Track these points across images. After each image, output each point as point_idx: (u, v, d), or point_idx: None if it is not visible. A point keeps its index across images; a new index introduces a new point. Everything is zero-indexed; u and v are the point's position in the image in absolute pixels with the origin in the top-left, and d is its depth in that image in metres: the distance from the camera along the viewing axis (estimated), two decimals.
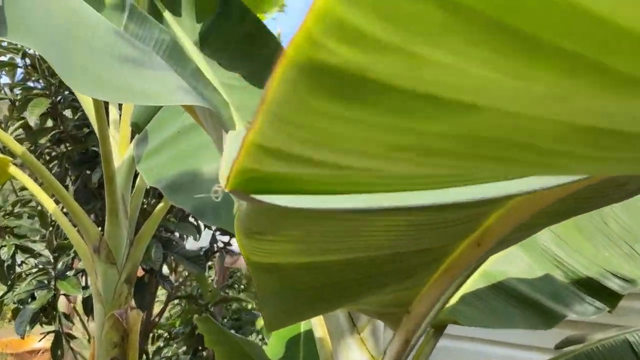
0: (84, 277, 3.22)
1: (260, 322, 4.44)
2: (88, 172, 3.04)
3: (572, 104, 0.24)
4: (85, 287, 2.85)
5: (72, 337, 3.08)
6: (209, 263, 4.52)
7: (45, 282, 2.81)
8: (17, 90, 3.02)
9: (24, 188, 3.46)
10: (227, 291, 5.43)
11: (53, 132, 3.06)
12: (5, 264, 2.79)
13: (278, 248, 0.59)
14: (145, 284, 3.00)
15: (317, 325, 1.10)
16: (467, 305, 1.37)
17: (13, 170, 1.91)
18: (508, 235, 0.67)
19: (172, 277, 4.08)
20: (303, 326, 1.76)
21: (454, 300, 1.26)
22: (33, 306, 2.73)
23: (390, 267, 0.68)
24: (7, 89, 3.01)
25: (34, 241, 3.08)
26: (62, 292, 2.83)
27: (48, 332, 3.00)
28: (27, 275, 3.03)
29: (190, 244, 3.68)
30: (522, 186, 0.42)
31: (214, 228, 3.64)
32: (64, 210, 2.22)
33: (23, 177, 1.98)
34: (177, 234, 3.41)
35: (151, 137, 1.69)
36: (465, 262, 0.70)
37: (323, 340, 1.09)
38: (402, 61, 0.23)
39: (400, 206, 0.37)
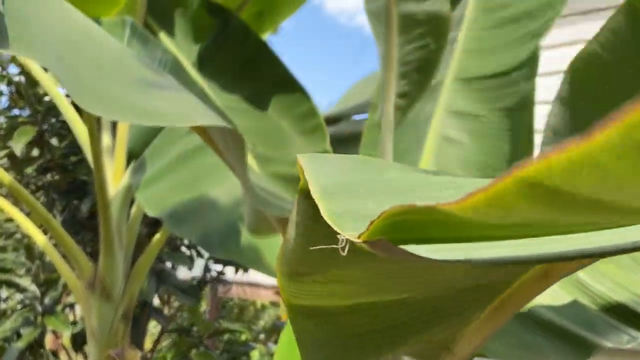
0: (72, 312, 3.07)
1: (254, 355, 4.29)
2: (76, 202, 2.93)
3: None
4: (74, 323, 2.71)
5: None
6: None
7: (32, 318, 2.67)
8: (1, 119, 2.91)
9: (7, 220, 3.32)
10: (219, 321, 5.27)
11: (39, 162, 2.96)
12: None
13: (327, 289, 0.51)
14: (138, 319, 2.87)
15: None
16: (492, 337, 1.29)
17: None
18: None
19: (165, 309, 3.94)
20: None
21: None
22: (19, 344, 2.58)
23: (448, 304, 0.60)
24: None
25: (20, 275, 2.94)
26: (49, 328, 2.69)
27: None
28: (12, 311, 2.89)
29: (181, 273, 3.57)
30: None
31: (206, 257, 3.54)
32: (53, 242, 2.10)
33: (9, 208, 1.87)
34: (168, 264, 3.29)
35: (149, 163, 1.60)
36: (529, 296, 0.63)
37: None
38: None
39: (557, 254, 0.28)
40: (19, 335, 2.74)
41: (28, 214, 2.13)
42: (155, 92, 0.70)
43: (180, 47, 1.79)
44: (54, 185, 2.93)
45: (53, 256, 1.79)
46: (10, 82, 2.85)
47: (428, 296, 0.57)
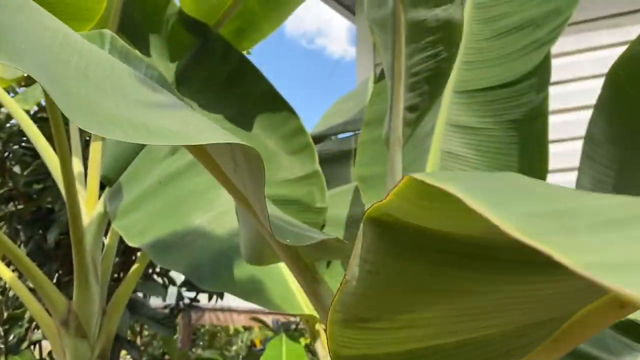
0: (39, 350, 2.88)
1: None
2: (41, 232, 2.77)
3: None
4: None
5: None
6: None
7: None
8: None
9: None
10: (192, 350, 5.09)
11: (1, 191, 2.79)
12: None
13: (389, 336, 0.42)
14: (111, 353, 2.70)
15: None
16: None
17: None
18: None
19: (138, 340, 3.76)
20: None
21: None
22: None
23: (511, 341, 0.52)
24: None
25: None
26: None
27: None
28: None
29: (153, 300, 3.44)
30: None
31: (179, 283, 3.43)
32: (17, 275, 1.95)
33: None
34: (141, 292, 3.14)
35: (126, 190, 1.49)
36: (599, 326, 0.55)
37: None
38: None
39: None
40: None
41: None
42: (155, 108, 0.60)
43: (156, 66, 1.69)
44: (18, 214, 2.76)
45: (20, 291, 1.64)
46: None
47: (492, 335, 0.49)
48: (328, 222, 1.57)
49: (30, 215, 2.80)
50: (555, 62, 1.11)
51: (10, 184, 2.79)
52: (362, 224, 0.40)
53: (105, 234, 1.79)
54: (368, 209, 0.38)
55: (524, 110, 1.12)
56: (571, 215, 0.18)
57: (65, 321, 1.53)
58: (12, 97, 2.29)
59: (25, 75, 2.32)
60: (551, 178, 1.15)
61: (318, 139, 2.04)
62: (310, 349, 2.74)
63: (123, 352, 2.90)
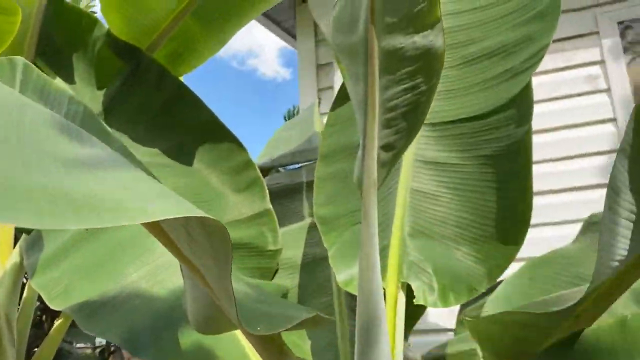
0: None
1: None
2: None
3: None
4: None
5: None
6: None
7: None
8: None
9: None
10: None
11: None
12: None
13: None
14: None
15: None
16: None
17: None
18: None
19: None
20: None
21: None
22: None
23: None
24: None
25: None
26: None
27: None
28: None
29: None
30: None
31: None
32: None
33: None
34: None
35: (47, 239, 1.27)
36: None
37: None
38: None
39: None
40: None
41: None
42: (82, 167, 0.45)
43: (82, 95, 1.49)
44: None
45: None
46: None
47: None
48: (282, 266, 1.43)
49: None
50: None
51: None
52: None
53: (23, 288, 1.55)
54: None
55: (501, 145, 1.03)
56: None
57: None
58: None
59: None
60: None
61: (265, 171, 1.90)
62: None
63: None
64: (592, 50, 2.44)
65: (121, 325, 1.03)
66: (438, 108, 1.15)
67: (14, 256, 1.44)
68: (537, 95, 2.18)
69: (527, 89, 1.00)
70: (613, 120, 2.35)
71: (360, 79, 0.83)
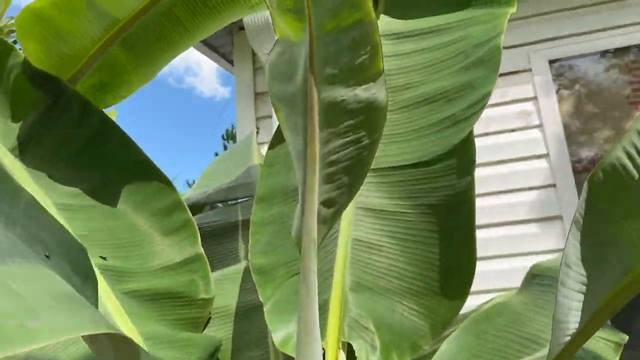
0: None
1: None
2: None
3: None
4: None
5: None
6: None
7: None
8: None
9: None
10: None
11: None
12: None
13: None
14: None
15: None
16: None
17: None
18: None
19: None
20: None
21: None
22: None
23: None
24: None
25: None
26: None
27: None
28: None
29: None
30: None
31: None
32: None
33: None
34: None
35: None
36: None
37: None
38: None
39: None
40: None
41: None
42: None
43: None
44: None
45: None
46: None
47: None
48: (214, 315, 1.33)
49: None
50: None
51: None
52: None
53: None
54: None
55: (443, 194, 1.00)
56: None
57: None
58: None
59: None
60: None
61: (198, 207, 1.80)
62: None
63: None
64: (525, 87, 2.51)
65: None
66: (381, 152, 1.11)
67: None
68: None
69: (470, 139, 0.98)
70: (546, 155, 2.41)
71: (299, 130, 0.77)
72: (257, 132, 2.80)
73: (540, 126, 2.42)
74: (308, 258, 0.78)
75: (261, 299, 1.08)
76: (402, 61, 1.14)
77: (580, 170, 2.40)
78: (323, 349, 0.93)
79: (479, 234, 0.96)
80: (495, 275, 2.30)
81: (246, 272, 1.43)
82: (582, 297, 0.60)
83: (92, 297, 0.83)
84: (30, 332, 0.32)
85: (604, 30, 2.55)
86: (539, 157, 2.40)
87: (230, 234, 1.60)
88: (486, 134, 2.47)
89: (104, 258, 1.21)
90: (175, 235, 1.33)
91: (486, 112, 2.50)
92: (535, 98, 2.45)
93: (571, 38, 2.54)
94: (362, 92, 0.73)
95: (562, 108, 2.49)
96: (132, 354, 0.37)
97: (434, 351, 0.93)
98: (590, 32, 2.55)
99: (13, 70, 1.41)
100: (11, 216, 0.68)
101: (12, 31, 2.50)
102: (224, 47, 3.29)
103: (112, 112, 2.42)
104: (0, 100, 1.42)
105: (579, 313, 0.59)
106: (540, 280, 0.97)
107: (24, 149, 1.38)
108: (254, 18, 2.69)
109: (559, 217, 2.35)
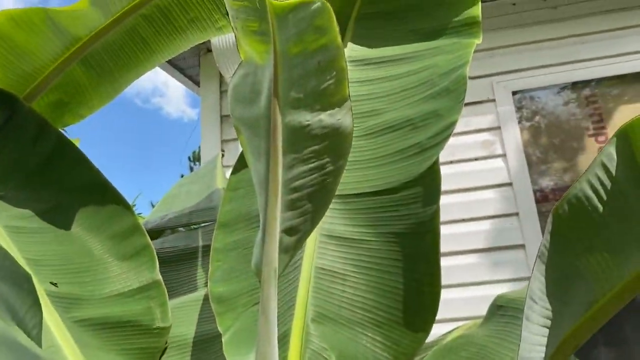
0: None
1: None
2: None
3: None
4: None
5: None
6: None
7: None
8: None
9: None
10: None
11: None
12: None
13: None
14: None
15: None
16: None
17: None
18: None
19: None
20: None
21: None
22: None
23: None
24: None
25: None
26: None
27: None
28: None
29: None
30: None
31: None
32: None
33: None
34: None
35: None
36: None
37: None
38: None
39: None
40: None
41: None
42: None
43: None
44: None
45: None
46: None
47: None
48: (171, 344, 1.28)
49: None
50: None
51: None
52: None
53: None
54: None
55: (408, 223, 0.98)
56: None
57: None
58: None
59: None
60: None
61: (158, 232, 1.75)
62: None
63: None
64: (488, 117, 2.55)
65: None
66: (344, 179, 1.09)
67: None
68: None
69: (435, 168, 0.97)
70: (509, 184, 2.45)
71: (262, 154, 0.75)
72: (223, 155, 2.76)
73: (503, 155, 2.46)
74: (268, 288, 0.75)
75: (219, 329, 1.04)
76: (369, 87, 1.14)
77: (540, 200, 2.44)
78: None
79: (443, 261, 0.95)
80: (459, 303, 2.30)
81: (205, 300, 1.38)
82: (546, 331, 0.58)
83: (36, 327, 0.78)
84: None
85: (565, 64, 2.63)
86: (501, 185, 2.43)
87: (190, 260, 1.55)
88: (450, 162, 2.49)
89: (55, 284, 1.15)
90: (132, 261, 1.28)
91: (450, 141, 2.53)
92: (498, 128, 2.50)
93: (534, 70, 2.61)
94: (327, 118, 0.72)
95: (524, 138, 2.54)
96: None
97: None
98: (551, 65, 2.62)
99: None
100: None
101: None
102: (191, 69, 3.26)
103: (75, 141, 2.36)
104: None
105: (544, 348, 0.58)
106: (504, 311, 0.96)
107: None
108: (221, 40, 2.68)
109: (521, 246, 2.38)
